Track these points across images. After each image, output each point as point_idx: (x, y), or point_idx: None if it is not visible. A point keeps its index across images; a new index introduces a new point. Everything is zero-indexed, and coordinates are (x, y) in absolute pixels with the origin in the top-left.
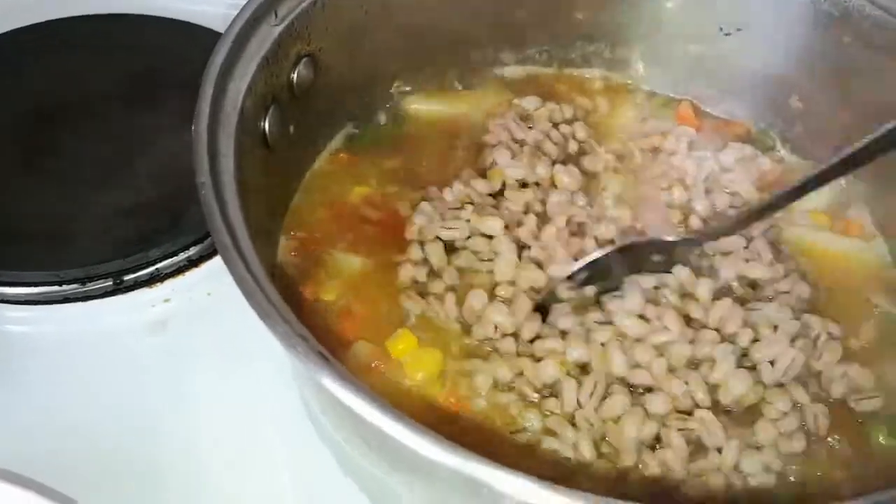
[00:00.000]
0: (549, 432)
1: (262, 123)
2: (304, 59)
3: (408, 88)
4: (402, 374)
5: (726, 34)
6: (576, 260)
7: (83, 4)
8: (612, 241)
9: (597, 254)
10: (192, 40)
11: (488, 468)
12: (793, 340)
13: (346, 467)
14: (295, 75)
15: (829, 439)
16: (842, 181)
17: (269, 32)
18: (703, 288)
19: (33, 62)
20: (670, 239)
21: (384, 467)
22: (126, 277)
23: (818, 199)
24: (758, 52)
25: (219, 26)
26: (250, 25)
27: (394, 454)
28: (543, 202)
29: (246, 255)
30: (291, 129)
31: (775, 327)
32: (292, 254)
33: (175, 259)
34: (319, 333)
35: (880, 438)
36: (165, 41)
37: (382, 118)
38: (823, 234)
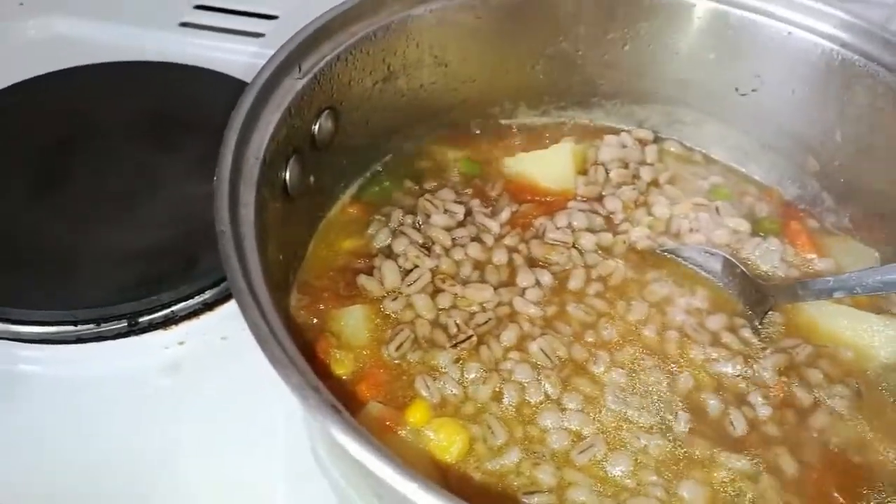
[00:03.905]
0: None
1: (283, 174)
2: (326, 112)
3: (425, 142)
4: (419, 440)
5: (742, 94)
6: None
7: (117, 52)
8: None
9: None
10: (214, 87)
11: None
12: None
13: None
14: (317, 127)
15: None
16: None
17: (293, 85)
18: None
19: (59, 104)
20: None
21: None
22: (141, 319)
23: None
24: (773, 112)
25: (240, 74)
26: (275, 77)
27: None
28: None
29: (262, 302)
30: (311, 179)
31: None
32: (302, 311)
33: (190, 302)
34: (332, 388)
35: None
36: (188, 87)
37: (399, 169)
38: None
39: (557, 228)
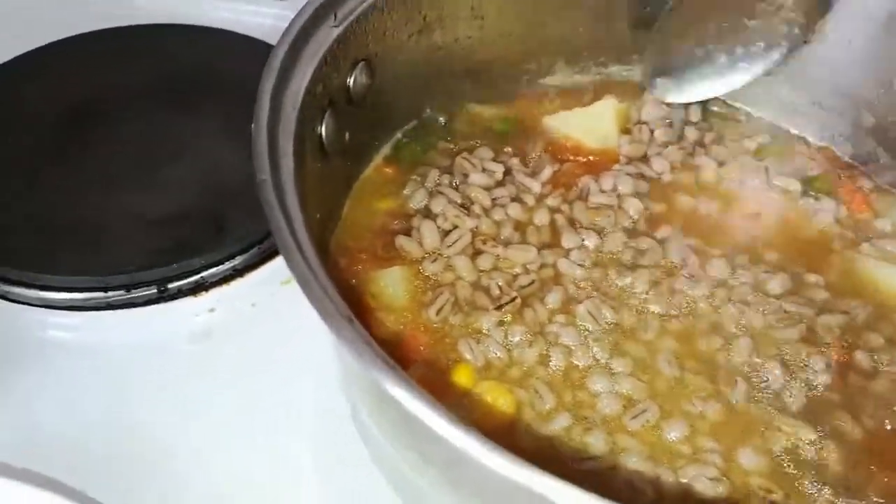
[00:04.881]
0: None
1: (319, 128)
2: (361, 64)
3: (461, 99)
4: (465, 404)
5: None
6: None
7: (135, 15)
8: None
9: None
10: (240, 50)
11: (562, 486)
12: None
13: (397, 485)
14: (352, 80)
15: None
16: None
17: (329, 34)
18: None
19: (81, 69)
20: None
21: (441, 484)
22: (170, 285)
23: None
24: (826, 65)
25: (264, 36)
26: (311, 25)
27: (455, 470)
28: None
29: (309, 258)
30: (347, 135)
31: None
32: (340, 273)
33: (220, 268)
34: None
35: None
36: (212, 50)
37: (434, 127)
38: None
39: (602, 191)
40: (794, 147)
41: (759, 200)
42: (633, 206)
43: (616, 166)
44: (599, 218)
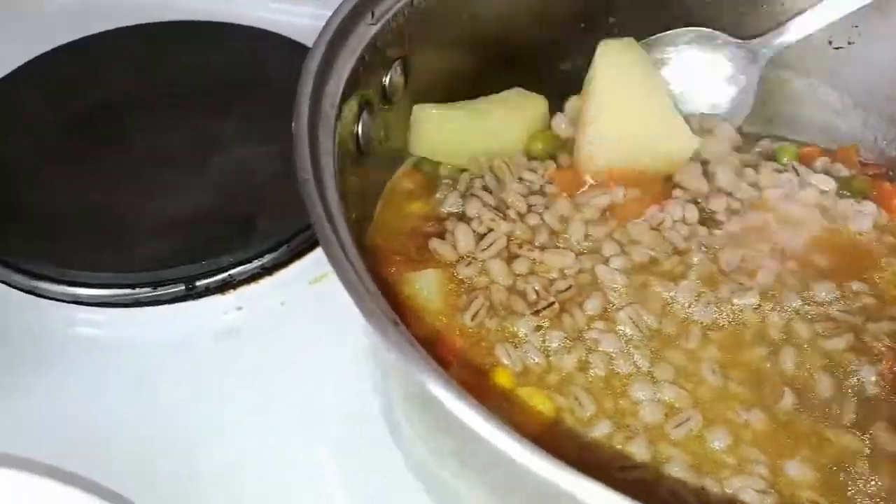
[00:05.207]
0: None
1: (356, 126)
2: (397, 63)
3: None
4: (503, 410)
5: (836, 48)
6: None
7: (172, 11)
8: None
9: None
10: (274, 50)
11: (608, 493)
12: None
13: (431, 489)
14: (388, 79)
15: None
16: None
17: (366, 31)
18: None
19: (110, 66)
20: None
21: (480, 488)
22: (198, 283)
23: None
24: (869, 66)
25: (300, 37)
26: (348, 22)
27: (495, 473)
28: None
29: (351, 257)
30: (382, 134)
31: None
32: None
33: (248, 266)
34: None
35: None
36: (247, 50)
37: None
38: None
39: (674, 222)
40: (829, 148)
41: (800, 206)
42: (705, 236)
43: (676, 192)
44: (657, 248)
